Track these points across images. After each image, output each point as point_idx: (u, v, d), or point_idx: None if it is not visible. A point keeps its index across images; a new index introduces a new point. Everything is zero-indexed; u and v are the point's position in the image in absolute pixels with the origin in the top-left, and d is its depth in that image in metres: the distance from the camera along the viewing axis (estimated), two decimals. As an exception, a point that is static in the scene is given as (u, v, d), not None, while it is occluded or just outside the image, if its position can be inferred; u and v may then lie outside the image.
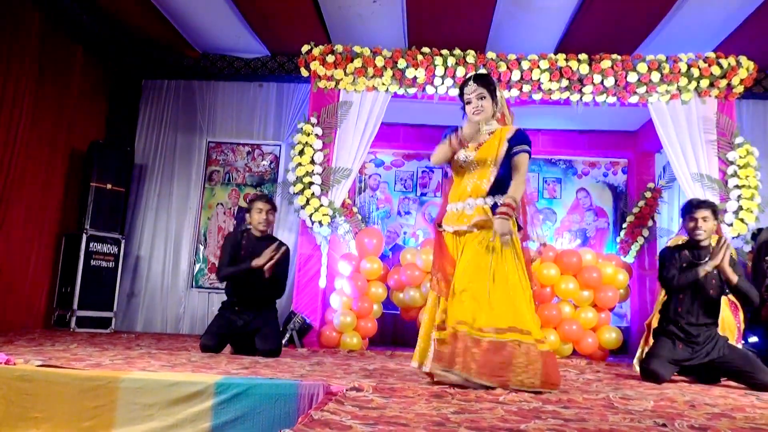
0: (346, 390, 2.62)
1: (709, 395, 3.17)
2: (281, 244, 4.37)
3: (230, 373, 2.95)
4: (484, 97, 3.28)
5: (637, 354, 4.21)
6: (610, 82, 5.59)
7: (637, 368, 4.03)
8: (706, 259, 3.79)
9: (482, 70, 5.60)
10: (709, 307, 3.83)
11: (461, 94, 3.36)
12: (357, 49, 5.78)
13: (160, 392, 2.61)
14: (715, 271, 3.77)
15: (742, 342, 4.54)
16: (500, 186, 3.21)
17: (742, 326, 4.58)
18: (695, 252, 3.88)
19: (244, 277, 4.33)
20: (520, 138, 3.25)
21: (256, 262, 4.22)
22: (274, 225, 4.62)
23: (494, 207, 3.17)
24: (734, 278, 3.72)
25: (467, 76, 3.42)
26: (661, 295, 4.15)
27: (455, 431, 1.94)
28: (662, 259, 3.97)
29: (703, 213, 3.82)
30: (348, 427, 1.91)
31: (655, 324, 4.08)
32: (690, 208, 3.89)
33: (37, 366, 2.82)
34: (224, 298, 4.56)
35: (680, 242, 4.14)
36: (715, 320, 3.87)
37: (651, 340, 4.04)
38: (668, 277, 3.85)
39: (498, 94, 3.33)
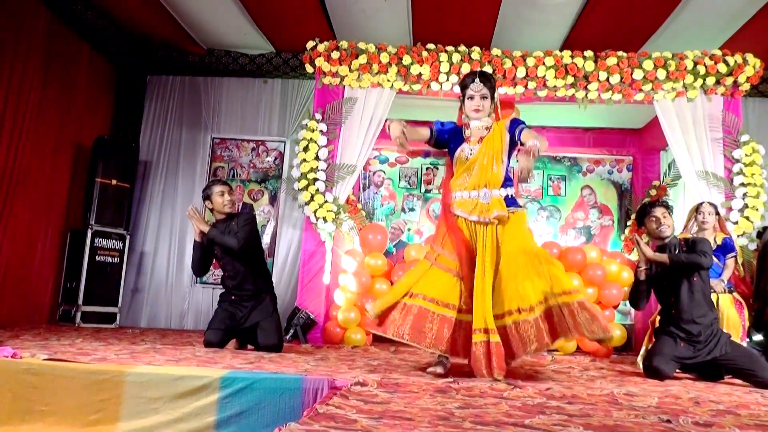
0: (351, 385, 2.63)
1: (714, 392, 3.17)
2: (242, 214, 4.45)
3: (235, 368, 2.96)
4: (486, 97, 3.47)
5: (641, 351, 4.20)
6: (615, 79, 5.58)
7: (641, 365, 4.03)
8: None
9: (487, 67, 5.60)
10: (696, 298, 3.82)
11: (464, 87, 3.50)
12: (362, 45, 5.78)
13: (165, 386, 2.62)
14: (671, 265, 3.84)
15: (747, 340, 4.53)
16: (507, 176, 3.45)
17: (747, 324, 4.57)
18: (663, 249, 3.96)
19: (207, 254, 4.41)
20: (515, 123, 3.47)
21: (195, 234, 4.35)
22: (235, 203, 4.58)
23: (506, 199, 3.40)
24: (665, 258, 3.82)
25: (472, 71, 3.58)
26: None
27: (460, 426, 1.94)
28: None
29: (660, 210, 3.95)
30: (353, 421, 1.92)
31: (657, 323, 4.08)
32: (646, 211, 4.03)
33: (43, 360, 2.84)
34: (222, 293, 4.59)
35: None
36: (707, 309, 3.82)
37: (654, 339, 4.04)
38: (629, 297, 4.14)
39: (496, 93, 3.54)
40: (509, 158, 3.47)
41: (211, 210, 4.52)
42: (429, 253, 3.49)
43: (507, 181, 3.46)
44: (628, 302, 4.25)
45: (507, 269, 3.31)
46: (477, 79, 3.45)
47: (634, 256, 6.36)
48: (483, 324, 3.17)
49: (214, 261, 4.57)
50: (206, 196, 4.50)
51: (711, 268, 3.90)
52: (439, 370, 3.29)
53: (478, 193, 3.40)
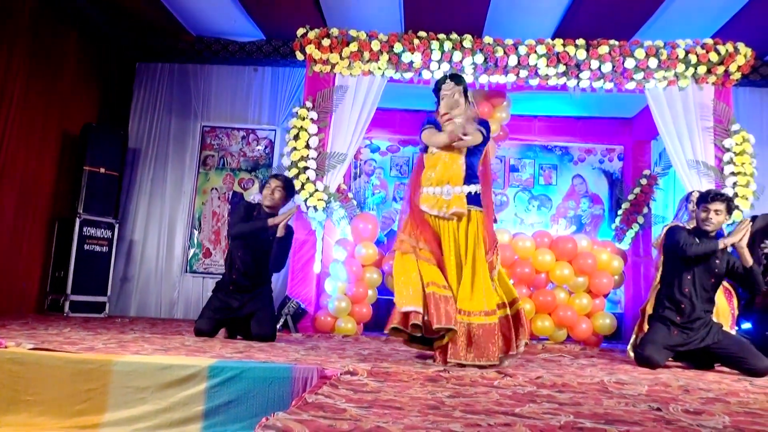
0: (341, 374, 2.61)
1: (704, 380, 3.18)
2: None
3: (224, 357, 2.94)
4: (458, 95, 3.64)
5: (632, 340, 4.21)
6: (607, 67, 5.56)
7: (632, 354, 4.04)
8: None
9: (479, 56, 5.57)
10: (710, 291, 3.86)
11: (437, 90, 3.72)
12: (353, 32, 5.73)
13: (152, 376, 2.59)
14: (722, 256, 3.80)
15: (736, 328, 4.56)
16: (472, 173, 3.56)
17: (736, 313, 4.59)
18: (702, 239, 3.88)
19: (254, 237, 4.34)
20: (482, 123, 3.64)
21: (273, 220, 4.28)
22: (284, 205, 4.57)
23: (468, 195, 3.50)
24: (750, 260, 3.76)
25: (441, 76, 3.80)
26: (656, 281, 4.15)
27: (450, 415, 1.93)
28: (675, 232, 3.94)
29: (717, 206, 3.84)
30: (342, 410, 1.90)
31: (650, 310, 4.09)
32: (707, 198, 3.90)
33: (29, 349, 2.80)
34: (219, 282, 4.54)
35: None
36: (712, 307, 3.90)
37: (646, 326, 4.04)
38: (685, 243, 3.82)
39: (469, 93, 3.71)
40: (474, 156, 3.59)
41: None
42: (404, 245, 3.52)
43: (472, 179, 3.55)
44: (689, 249, 3.84)
45: (469, 270, 3.41)
46: (447, 80, 3.68)
47: (625, 245, 6.37)
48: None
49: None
50: (263, 185, 4.56)
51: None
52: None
53: (441, 190, 3.51)
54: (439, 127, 3.66)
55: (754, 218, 5.17)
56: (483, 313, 3.28)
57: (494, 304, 3.36)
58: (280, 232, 4.26)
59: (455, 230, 3.49)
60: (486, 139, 3.60)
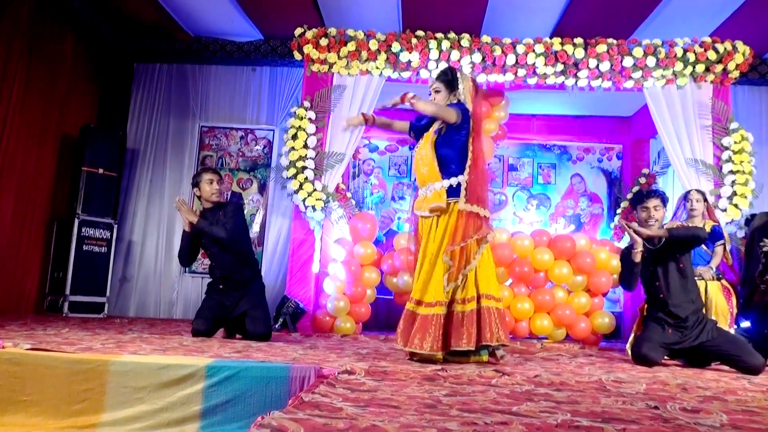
0: (338, 373, 2.61)
1: (702, 378, 3.18)
2: (230, 203, 4.48)
3: (222, 357, 2.94)
4: (439, 91, 3.65)
5: (630, 339, 4.21)
6: (605, 66, 5.56)
7: (630, 353, 4.04)
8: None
9: (477, 55, 5.57)
10: (684, 284, 3.85)
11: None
12: (351, 32, 5.73)
13: (150, 375, 2.59)
14: (660, 247, 3.85)
15: (735, 327, 4.55)
16: (445, 166, 3.52)
17: (735, 311, 4.59)
18: (651, 241, 3.93)
19: (195, 244, 4.41)
20: (457, 106, 3.56)
21: (185, 225, 4.34)
22: (223, 193, 4.59)
23: (449, 189, 3.47)
24: (664, 232, 3.80)
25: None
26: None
27: (446, 413, 1.93)
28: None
29: (653, 202, 3.90)
30: (338, 409, 1.90)
31: (645, 311, 4.10)
32: (641, 199, 3.97)
33: (27, 349, 2.80)
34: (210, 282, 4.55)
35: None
36: (695, 295, 3.88)
37: (643, 326, 4.05)
38: (620, 279, 4.15)
39: (460, 86, 3.62)
40: (450, 146, 3.52)
41: (199, 198, 4.49)
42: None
43: (450, 172, 3.50)
44: (620, 285, 4.22)
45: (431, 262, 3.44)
46: (432, 77, 3.83)
47: (623, 244, 6.36)
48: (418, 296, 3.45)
49: (201, 251, 4.54)
50: (195, 183, 4.48)
51: (706, 240, 3.92)
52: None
53: (425, 189, 3.54)
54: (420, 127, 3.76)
55: (752, 216, 5.17)
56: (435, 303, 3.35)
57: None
58: (187, 227, 4.36)
59: (434, 227, 3.48)
60: (462, 121, 3.48)
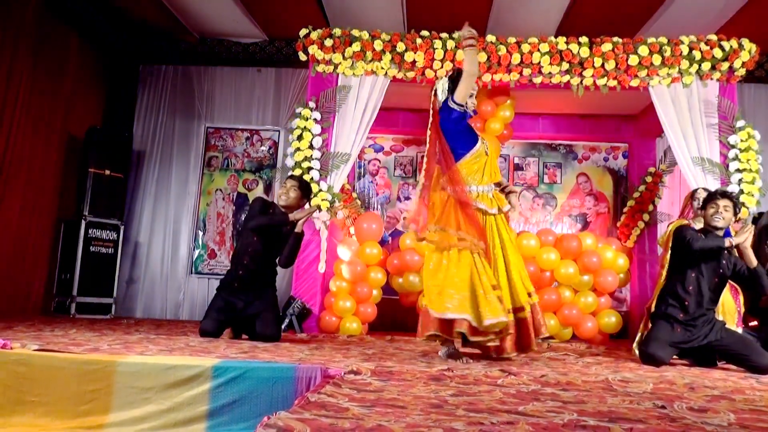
0: (344, 373, 2.61)
1: (709, 378, 3.16)
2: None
3: (228, 357, 2.94)
4: (471, 95, 3.78)
5: (637, 338, 4.19)
6: (610, 65, 5.53)
7: (637, 352, 4.02)
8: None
9: (482, 54, 5.56)
10: (718, 290, 3.84)
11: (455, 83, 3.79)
12: (355, 32, 5.72)
13: (157, 376, 2.60)
14: (729, 257, 3.78)
15: (742, 326, 4.53)
16: None
17: (743, 310, 4.56)
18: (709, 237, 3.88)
19: (271, 230, 4.37)
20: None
21: (294, 215, 4.34)
22: (299, 206, 4.55)
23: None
24: (755, 261, 3.74)
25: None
26: (662, 279, 4.12)
27: (452, 413, 1.92)
28: (683, 229, 3.93)
29: (725, 202, 3.85)
30: (345, 410, 1.90)
31: (653, 308, 4.07)
32: (715, 195, 3.92)
33: (34, 350, 2.81)
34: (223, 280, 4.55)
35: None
36: (715, 306, 3.88)
37: (650, 324, 4.03)
38: (694, 237, 3.81)
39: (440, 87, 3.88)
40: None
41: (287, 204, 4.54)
42: (447, 239, 3.54)
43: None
44: (698, 245, 3.81)
45: (514, 261, 3.67)
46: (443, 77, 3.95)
47: (630, 243, 6.35)
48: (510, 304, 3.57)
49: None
50: (308, 196, 4.64)
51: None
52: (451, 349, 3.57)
53: (488, 188, 3.73)
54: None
55: (760, 215, 5.14)
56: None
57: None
58: (299, 228, 4.33)
59: (496, 223, 3.67)
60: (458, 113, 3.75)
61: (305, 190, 4.56)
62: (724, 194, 3.91)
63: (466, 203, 3.61)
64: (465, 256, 3.48)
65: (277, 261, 4.46)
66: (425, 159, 3.88)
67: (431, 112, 3.89)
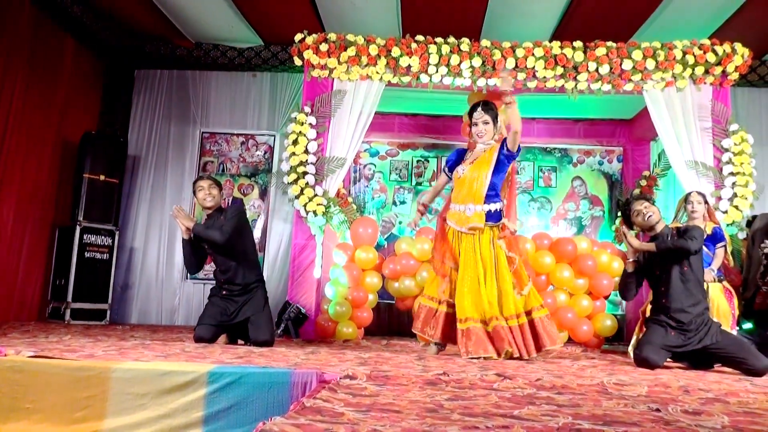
0: (340, 378, 2.61)
1: (704, 380, 3.17)
2: (230, 207, 4.45)
3: (224, 363, 2.94)
4: (488, 123, 4.14)
5: (632, 341, 4.21)
6: (605, 69, 5.55)
7: (632, 355, 4.03)
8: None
9: (477, 59, 5.57)
10: (688, 288, 3.80)
11: (470, 115, 4.22)
12: (350, 37, 5.73)
13: (152, 382, 2.59)
14: (658, 256, 3.86)
15: (737, 328, 4.55)
16: (493, 193, 4.06)
17: (737, 312, 4.58)
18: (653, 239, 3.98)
19: (197, 250, 4.37)
20: (504, 141, 4.10)
21: (182, 232, 4.31)
22: (222, 199, 4.55)
23: (488, 214, 4.01)
24: (652, 246, 3.86)
25: (476, 102, 4.25)
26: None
27: (448, 418, 1.93)
28: None
29: (639, 204, 3.99)
30: (340, 414, 1.90)
31: (648, 312, 4.09)
32: (628, 208, 4.07)
33: (29, 357, 2.80)
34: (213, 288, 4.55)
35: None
36: (699, 299, 3.81)
37: (645, 328, 4.04)
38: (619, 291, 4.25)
39: (498, 119, 4.20)
40: (495, 175, 4.07)
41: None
42: (435, 266, 4.25)
43: (493, 198, 4.05)
44: (618, 293, 4.30)
45: (489, 278, 3.98)
46: (479, 108, 4.14)
47: (624, 247, 6.36)
48: (464, 314, 3.93)
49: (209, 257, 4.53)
50: (193, 192, 4.51)
51: (698, 252, 3.85)
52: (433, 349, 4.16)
53: (465, 207, 4.05)
54: (456, 158, 4.31)
55: (753, 218, 5.17)
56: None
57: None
58: (185, 234, 4.30)
59: (473, 242, 4.01)
60: (517, 152, 4.08)
61: (219, 183, 4.57)
62: (630, 201, 4.11)
63: (440, 219, 4.29)
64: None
65: (240, 263, 4.39)
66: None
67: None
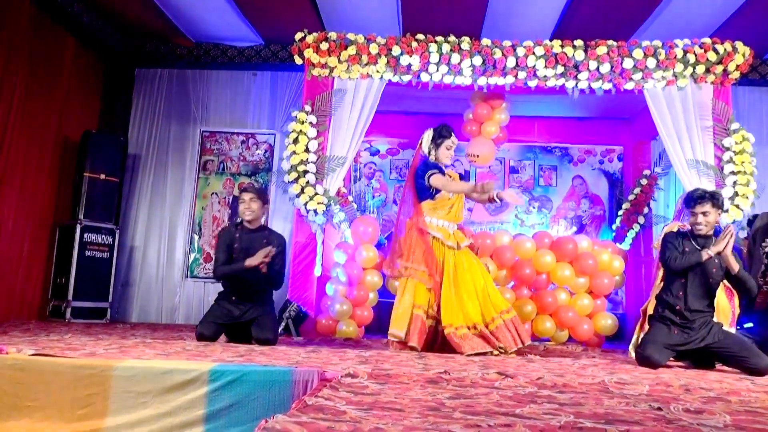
0: (341, 376, 2.61)
1: (705, 379, 3.17)
2: (275, 237, 4.41)
3: (225, 361, 2.94)
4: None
5: (633, 340, 4.21)
6: (605, 68, 5.55)
7: (633, 354, 4.03)
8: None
9: (477, 57, 5.56)
10: (709, 294, 3.84)
11: (441, 137, 4.50)
12: (351, 36, 5.73)
13: (153, 380, 2.60)
14: (716, 259, 3.77)
15: (737, 327, 4.55)
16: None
17: (737, 311, 4.58)
18: (698, 240, 3.86)
19: (240, 275, 4.29)
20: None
21: (249, 262, 4.18)
22: (263, 213, 4.54)
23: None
24: (736, 267, 3.74)
25: (448, 126, 4.56)
26: (658, 281, 4.14)
27: (449, 416, 1.93)
28: (665, 242, 3.95)
29: (703, 208, 3.79)
30: (342, 413, 1.90)
31: (650, 310, 4.08)
32: (690, 203, 3.85)
33: (30, 355, 2.80)
34: (220, 288, 4.54)
35: (675, 229, 4.13)
36: (712, 308, 3.87)
37: (646, 327, 4.04)
38: (669, 257, 3.85)
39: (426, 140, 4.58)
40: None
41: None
42: (400, 269, 4.43)
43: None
44: (672, 261, 3.84)
45: (467, 288, 4.29)
46: (453, 135, 4.50)
47: (625, 246, 6.37)
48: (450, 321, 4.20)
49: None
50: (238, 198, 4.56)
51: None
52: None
53: (449, 224, 4.43)
54: (443, 172, 4.43)
55: (755, 217, 5.17)
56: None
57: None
58: (263, 269, 4.22)
59: (456, 257, 4.36)
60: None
61: (263, 197, 4.53)
62: (700, 199, 3.81)
63: (421, 230, 4.39)
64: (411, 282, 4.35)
65: (266, 282, 4.42)
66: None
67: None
